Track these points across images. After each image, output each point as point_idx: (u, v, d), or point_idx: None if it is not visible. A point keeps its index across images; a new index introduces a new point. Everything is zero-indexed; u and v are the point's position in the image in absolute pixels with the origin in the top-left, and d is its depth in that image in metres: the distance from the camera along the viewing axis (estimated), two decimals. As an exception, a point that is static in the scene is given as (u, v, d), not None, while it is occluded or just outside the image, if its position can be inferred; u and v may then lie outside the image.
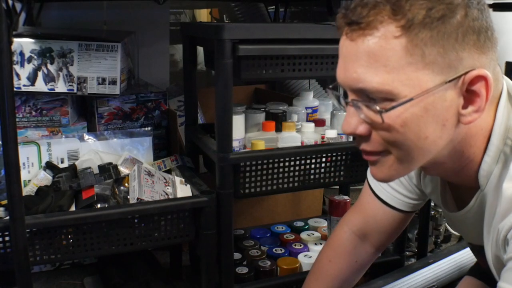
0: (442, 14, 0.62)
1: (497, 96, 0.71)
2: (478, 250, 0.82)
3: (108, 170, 1.32)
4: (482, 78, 0.65)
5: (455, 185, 0.83)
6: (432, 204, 1.63)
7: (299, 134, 1.45)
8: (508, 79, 0.75)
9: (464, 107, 0.67)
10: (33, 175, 1.36)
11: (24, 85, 1.39)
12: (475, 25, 0.64)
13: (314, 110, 1.63)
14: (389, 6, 0.63)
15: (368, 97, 0.67)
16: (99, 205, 1.26)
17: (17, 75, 1.37)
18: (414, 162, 0.71)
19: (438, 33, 0.63)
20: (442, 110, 0.66)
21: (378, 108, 0.66)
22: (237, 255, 1.51)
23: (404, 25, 0.63)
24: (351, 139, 1.49)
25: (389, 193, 0.98)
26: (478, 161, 0.72)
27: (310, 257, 1.51)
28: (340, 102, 0.74)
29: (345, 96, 0.72)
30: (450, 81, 0.64)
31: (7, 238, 1.10)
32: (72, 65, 1.39)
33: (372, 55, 0.64)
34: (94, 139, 1.45)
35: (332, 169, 1.39)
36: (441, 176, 0.84)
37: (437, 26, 0.62)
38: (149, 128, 1.54)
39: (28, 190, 1.31)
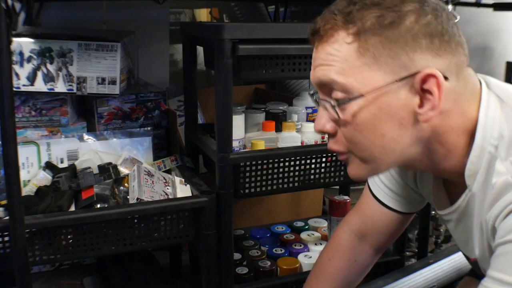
0: (391, 21, 0.68)
1: (475, 96, 0.73)
2: (472, 262, 0.82)
3: (107, 170, 1.32)
4: (432, 76, 0.68)
5: (448, 183, 0.84)
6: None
7: (299, 134, 1.45)
8: (487, 78, 0.78)
9: (421, 106, 0.70)
10: (32, 175, 1.36)
11: (23, 85, 1.39)
12: (426, 30, 0.69)
13: (314, 110, 1.62)
14: (342, 16, 0.71)
15: (331, 95, 0.73)
16: (98, 205, 1.26)
17: (17, 75, 1.37)
18: (379, 162, 0.75)
19: (386, 38, 0.68)
20: (397, 108, 0.70)
21: (332, 102, 0.72)
22: (237, 255, 1.51)
23: (355, 33, 0.70)
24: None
25: (386, 193, 0.99)
26: (457, 156, 0.74)
27: (310, 257, 1.51)
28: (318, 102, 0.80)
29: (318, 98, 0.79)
30: (401, 79, 0.69)
31: (6, 238, 1.10)
32: (71, 65, 1.39)
33: (330, 56, 0.72)
34: (94, 139, 1.45)
35: (332, 169, 1.39)
36: (427, 171, 0.86)
37: (385, 31, 0.68)
38: (149, 128, 1.53)
39: (27, 190, 1.30)
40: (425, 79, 0.68)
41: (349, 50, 0.70)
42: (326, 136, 0.81)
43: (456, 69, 0.71)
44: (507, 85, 0.77)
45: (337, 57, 0.71)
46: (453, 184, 0.82)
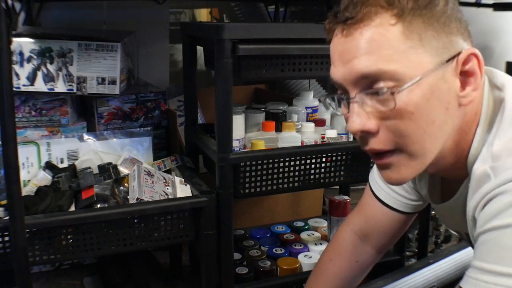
0: (428, 2, 0.67)
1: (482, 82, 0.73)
2: (468, 239, 0.82)
3: (107, 170, 1.32)
4: (473, 56, 0.68)
5: (446, 179, 0.84)
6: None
7: (299, 134, 1.45)
8: (488, 67, 0.77)
9: (462, 89, 0.69)
10: (32, 175, 1.36)
11: (23, 85, 1.39)
12: (454, 14, 0.69)
13: (314, 110, 1.62)
14: None
15: (372, 86, 0.67)
16: (98, 205, 1.26)
17: (17, 75, 1.37)
18: (427, 155, 0.70)
19: (429, 19, 0.67)
20: (445, 92, 0.68)
21: (386, 91, 0.66)
22: (237, 255, 1.51)
23: (397, 14, 0.66)
24: (351, 139, 1.48)
25: (387, 193, 0.99)
26: (468, 150, 0.73)
27: (310, 257, 1.51)
28: (336, 107, 0.74)
29: (346, 97, 0.72)
30: (447, 61, 0.67)
31: (6, 238, 1.10)
32: (71, 65, 1.39)
33: (374, 43, 0.66)
34: (94, 139, 1.45)
35: (332, 169, 1.39)
36: (437, 172, 0.84)
37: (426, 13, 0.67)
38: (149, 128, 1.53)
39: (27, 190, 1.30)
40: (467, 60, 0.68)
41: (394, 33, 0.66)
42: (352, 136, 0.75)
43: None
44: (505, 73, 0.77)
45: (380, 42, 0.66)
46: (451, 180, 0.81)
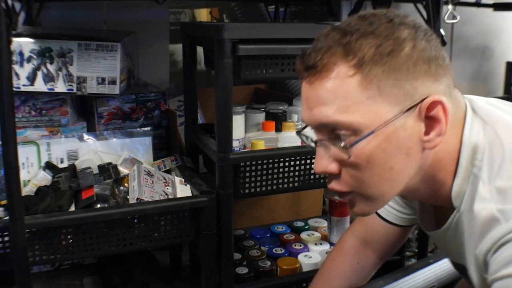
0: (391, 49, 0.66)
1: (461, 117, 0.73)
2: (461, 269, 0.82)
3: (107, 170, 1.32)
4: (438, 103, 0.67)
5: (436, 206, 0.84)
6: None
7: (299, 134, 1.44)
8: (472, 97, 0.77)
9: (426, 133, 0.69)
10: (32, 175, 1.36)
11: (23, 85, 1.39)
12: (424, 56, 0.67)
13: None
14: (341, 48, 0.67)
15: (333, 134, 0.69)
16: (98, 205, 1.26)
17: (17, 74, 1.37)
18: (386, 196, 0.73)
19: (389, 67, 0.66)
20: (405, 139, 0.68)
21: (342, 144, 0.68)
22: (237, 255, 1.51)
23: (356, 64, 0.66)
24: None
25: (385, 209, 1.00)
26: (450, 183, 0.73)
27: (310, 257, 1.51)
28: (310, 144, 0.76)
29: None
30: (407, 110, 0.67)
31: (6, 238, 1.10)
32: (71, 65, 1.39)
33: (331, 93, 0.67)
34: (94, 139, 1.45)
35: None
36: (419, 200, 0.86)
37: (387, 61, 0.66)
38: (149, 128, 1.53)
39: (27, 190, 1.30)
40: (431, 107, 0.67)
41: (351, 85, 0.66)
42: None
43: (449, 91, 0.71)
44: (491, 105, 0.76)
45: (338, 93, 0.67)
46: (440, 207, 0.81)
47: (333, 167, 0.71)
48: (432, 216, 0.86)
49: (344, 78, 0.66)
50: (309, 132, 0.76)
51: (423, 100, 0.67)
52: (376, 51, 0.65)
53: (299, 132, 0.78)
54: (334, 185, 0.74)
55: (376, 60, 0.65)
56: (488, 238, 0.66)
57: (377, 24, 0.67)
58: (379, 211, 1.01)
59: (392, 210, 0.99)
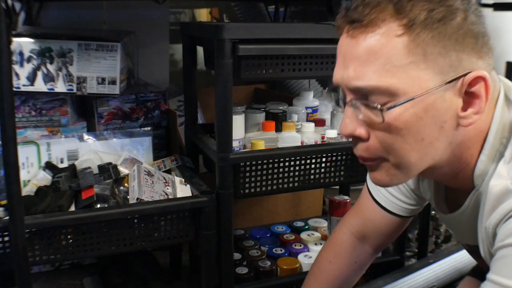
0: (443, 16, 0.64)
1: (494, 99, 0.72)
2: (476, 251, 0.82)
3: (107, 170, 1.32)
4: (481, 79, 0.65)
5: (450, 188, 0.83)
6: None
7: (299, 134, 1.44)
8: (506, 80, 0.76)
9: (464, 109, 0.67)
10: (32, 175, 1.36)
11: (23, 85, 1.39)
12: (473, 29, 0.66)
13: (314, 110, 1.62)
14: (392, 5, 0.64)
15: (367, 96, 0.67)
16: (98, 205, 1.26)
17: (17, 75, 1.37)
18: (412, 168, 0.71)
19: (439, 34, 0.63)
20: (442, 111, 0.66)
21: (379, 106, 0.65)
22: (237, 255, 1.51)
23: (406, 24, 0.63)
24: (351, 139, 1.48)
25: (387, 198, 0.99)
26: (474, 163, 0.72)
27: (310, 257, 1.51)
28: (339, 103, 0.74)
29: (344, 97, 0.72)
30: (450, 81, 0.65)
31: (6, 238, 1.10)
32: (71, 64, 1.39)
33: (373, 53, 0.64)
34: (94, 139, 1.45)
35: (332, 169, 1.39)
36: (438, 180, 0.84)
37: (438, 27, 0.63)
38: (149, 128, 1.53)
39: (27, 190, 1.30)
40: (473, 82, 0.65)
41: (396, 45, 0.63)
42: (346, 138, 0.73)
43: (490, 70, 0.69)
44: None
45: (381, 53, 0.64)
46: (456, 190, 0.81)
47: (361, 130, 0.69)
48: (443, 197, 0.85)
49: (390, 36, 0.63)
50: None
51: (466, 74, 0.65)
52: (428, 15, 0.63)
53: (329, 91, 0.75)
54: (361, 151, 0.71)
55: (426, 24, 0.63)
56: (499, 210, 0.66)
57: None
58: (380, 201, 0.99)
59: (394, 199, 0.98)
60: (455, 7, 0.64)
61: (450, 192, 0.84)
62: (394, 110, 0.65)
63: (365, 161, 0.73)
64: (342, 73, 0.68)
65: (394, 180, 0.73)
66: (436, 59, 0.64)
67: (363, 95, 0.67)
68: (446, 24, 0.64)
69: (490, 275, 0.65)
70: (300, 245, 1.60)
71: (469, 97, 0.67)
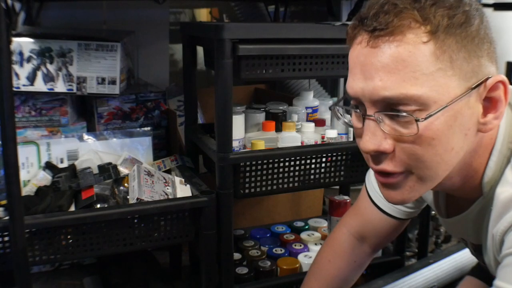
0: (464, 21, 0.63)
1: None
2: (480, 250, 0.82)
3: (107, 170, 1.32)
4: (501, 83, 0.65)
5: (452, 195, 0.83)
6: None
7: (299, 134, 1.44)
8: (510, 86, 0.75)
9: (484, 115, 0.66)
10: (32, 175, 1.36)
11: (23, 85, 1.39)
12: (488, 34, 0.66)
13: (314, 110, 1.62)
14: (416, 11, 0.62)
15: (393, 107, 0.64)
16: (98, 205, 1.26)
17: (16, 74, 1.37)
18: (436, 179, 0.68)
19: (462, 39, 0.62)
20: (467, 118, 0.65)
21: (413, 116, 0.62)
22: (237, 255, 1.51)
23: (431, 31, 0.62)
24: (351, 139, 1.48)
25: (385, 201, 0.99)
26: (482, 171, 0.71)
27: (310, 257, 1.51)
28: (347, 122, 0.70)
29: (360, 110, 0.68)
30: (474, 87, 0.64)
31: (6, 238, 1.10)
32: (71, 64, 1.39)
33: (401, 61, 0.62)
34: (94, 139, 1.45)
35: (332, 169, 1.39)
36: (446, 190, 0.81)
37: (460, 32, 0.62)
38: (149, 128, 1.53)
39: (27, 190, 1.30)
40: (494, 87, 0.65)
41: (424, 53, 0.61)
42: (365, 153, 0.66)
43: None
44: None
45: (408, 61, 0.61)
46: (459, 197, 0.80)
47: (388, 144, 0.65)
48: (444, 203, 0.85)
49: (417, 44, 0.61)
50: (342, 107, 0.70)
51: (487, 79, 0.64)
52: (450, 21, 0.62)
53: (335, 105, 0.72)
54: (385, 165, 0.67)
55: (450, 29, 0.61)
56: (507, 217, 0.65)
57: None
58: (379, 204, 0.99)
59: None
60: (472, 12, 0.64)
61: (451, 200, 0.84)
62: (427, 120, 0.62)
63: (386, 177, 0.68)
64: (363, 85, 0.64)
65: (415, 196, 0.70)
66: (461, 65, 0.63)
67: (390, 106, 0.64)
68: (467, 29, 0.63)
69: (497, 282, 0.65)
70: (300, 245, 1.60)
71: (487, 102, 0.66)
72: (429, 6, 0.62)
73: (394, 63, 0.62)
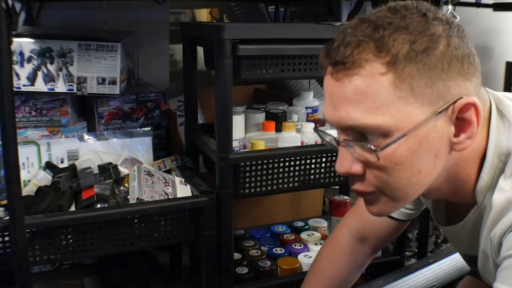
0: (426, 47, 0.63)
1: (486, 116, 0.71)
2: (475, 261, 0.82)
3: (108, 170, 1.32)
4: (471, 105, 0.65)
5: (451, 203, 0.83)
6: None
7: (299, 134, 1.45)
8: (495, 93, 0.75)
9: (456, 135, 0.67)
10: (32, 175, 1.36)
11: (23, 85, 1.39)
12: (458, 54, 0.65)
13: (314, 110, 1.62)
14: (373, 43, 0.63)
15: (359, 134, 0.67)
16: (99, 205, 1.26)
17: (17, 75, 1.37)
18: (408, 198, 0.72)
19: (424, 66, 0.63)
20: (436, 140, 0.66)
21: (372, 147, 0.65)
22: (237, 255, 1.51)
23: (389, 61, 0.62)
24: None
25: None
26: (472, 181, 0.72)
27: (310, 257, 1.51)
28: (331, 142, 0.74)
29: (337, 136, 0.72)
30: (440, 112, 0.64)
31: (6, 238, 1.10)
32: (72, 65, 1.39)
33: (361, 93, 0.64)
34: (94, 139, 1.45)
35: (332, 169, 1.39)
36: (439, 198, 0.84)
37: (422, 58, 0.63)
38: (149, 128, 1.53)
39: (27, 190, 1.30)
40: (463, 109, 0.65)
41: (383, 84, 0.62)
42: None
43: (477, 90, 0.68)
44: None
45: (368, 93, 0.63)
46: (456, 205, 0.81)
47: (357, 168, 0.69)
48: (443, 211, 0.86)
49: (375, 76, 0.63)
50: (328, 129, 0.75)
51: (455, 101, 0.64)
52: (410, 48, 0.62)
53: (317, 129, 0.76)
54: (358, 186, 0.71)
55: (410, 57, 0.62)
56: (504, 220, 0.66)
57: (411, 18, 0.64)
58: None
59: None
60: (437, 35, 0.64)
61: (451, 206, 0.84)
62: (388, 148, 0.65)
63: (361, 195, 0.73)
64: (332, 114, 0.68)
65: (392, 210, 0.74)
66: (423, 91, 0.63)
67: (355, 134, 0.67)
68: (430, 55, 0.63)
69: (496, 285, 0.65)
70: (300, 245, 1.60)
71: (460, 122, 0.66)
72: (389, 35, 0.62)
73: (355, 95, 0.64)
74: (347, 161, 0.69)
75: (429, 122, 0.64)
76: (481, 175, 0.71)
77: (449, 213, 0.85)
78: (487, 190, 0.71)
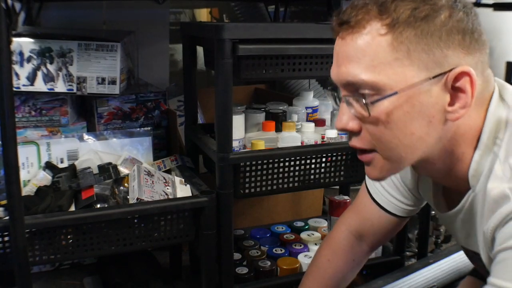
0: (426, 14, 0.67)
1: (487, 98, 0.73)
2: (472, 256, 0.83)
3: (107, 170, 1.32)
4: (466, 74, 0.67)
5: (447, 188, 0.84)
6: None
7: (299, 134, 1.45)
8: (501, 81, 0.77)
9: (451, 104, 0.69)
10: (32, 175, 1.36)
11: (23, 85, 1.39)
12: (459, 26, 0.68)
13: (314, 110, 1.62)
14: (376, 6, 0.68)
15: (358, 92, 0.70)
16: (98, 205, 1.26)
17: (17, 75, 1.37)
18: (403, 161, 0.74)
19: (422, 32, 0.66)
20: (428, 106, 0.68)
21: (364, 101, 0.69)
22: (237, 255, 1.51)
23: (389, 24, 0.67)
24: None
25: (385, 197, 1.00)
26: (467, 161, 0.73)
27: (310, 257, 1.51)
28: (336, 102, 0.78)
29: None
30: (434, 77, 0.67)
31: (6, 238, 1.10)
32: (71, 64, 1.39)
33: (360, 51, 0.68)
34: (94, 139, 1.45)
35: (332, 169, 1.39)
36: (432, 177, 0.86)
37: (420, 25, 0.66)
38: (149, 128, 1.53)
39: (27, 190, 1.30)
40: (458, 77, 0.68)
41: (381, 43, 0.67)
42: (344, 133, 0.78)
43: (481, 67, 0.71)
44: None
45: (367, 51, 0.68)
46: (452, 190, 0.82)
47: (353, 124, 0.73)
48: (442, 199, 0.86)
49: (375, 36, 0.67)
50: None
51: (451, 69, 0.67)
52: (411, 13, 0.66)
53: (329, 90, 0.80)
54: (355, 142, 0.75)
55: (409, 22, 0.66)
56: (497, 214, 0.67)
57: None
58: (379, 201, 1.00)
59: (392, 199, 0.99)
60: (439, 5, 0.67)
61: (448, 193, 0.85)
62: (380, 103, 0.68)
63: (359, 154, 0.77)
64: (336, 71, 0.73)
65: (386, 174, 0.77)
66: (419, 55, 0.67)
67: (354, 90, 0.71)
68: (429, 22, 0.66)
69: (490, 279, 0.66)
70: (300, 245, 1.60)
71: (456, 91, 0.69)
72: (391, 1, 0.67)
73: (355, 52, 0.69)
74: (345, 117, 0.73)
75: (423, 85, 0.67)
76: (474, 156, 0.72)
77: (447, 199, 0.86)
78: (481, 174, 0.72)
